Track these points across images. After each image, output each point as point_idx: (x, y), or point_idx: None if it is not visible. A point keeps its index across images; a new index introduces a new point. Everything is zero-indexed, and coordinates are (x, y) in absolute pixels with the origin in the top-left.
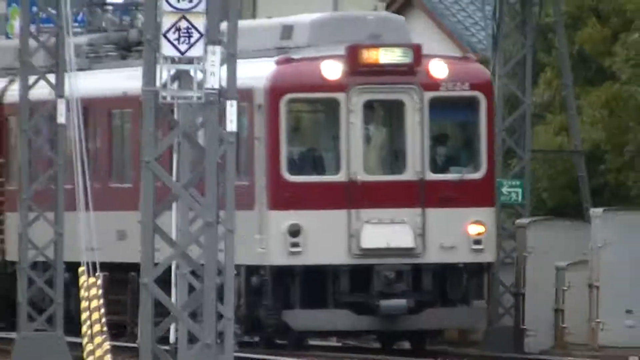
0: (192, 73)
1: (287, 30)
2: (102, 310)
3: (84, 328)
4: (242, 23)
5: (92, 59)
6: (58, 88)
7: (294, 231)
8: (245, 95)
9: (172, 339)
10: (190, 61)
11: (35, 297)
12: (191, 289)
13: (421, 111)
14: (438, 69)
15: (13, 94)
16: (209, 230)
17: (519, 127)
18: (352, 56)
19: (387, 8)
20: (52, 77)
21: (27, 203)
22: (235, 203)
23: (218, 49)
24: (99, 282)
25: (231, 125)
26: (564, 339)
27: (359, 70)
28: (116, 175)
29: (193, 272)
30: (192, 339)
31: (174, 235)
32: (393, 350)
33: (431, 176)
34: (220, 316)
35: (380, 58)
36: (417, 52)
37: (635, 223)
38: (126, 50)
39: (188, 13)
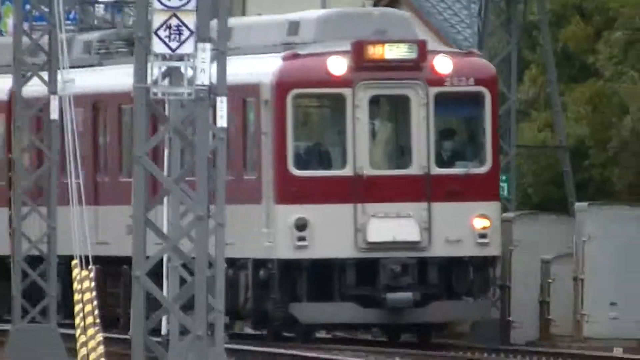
0: (182, 70)
1: (294, 26)
2: (95, 303)
3: (77, 320)
4: (249, 19)
5: (103, 55)
6: (50, 85)
7: (301, 225)
8: (252, 91)
9: (163, 330)
10: (180, 58)
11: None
12: (182, 281)
13: (426, 106)
14: (443, 65)
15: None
16: (200, 224)
17: (504, 124)
18: (357, 52)
19: (375, 6)
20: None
21: (21, 197)
22: (242, 197)
23: (208, 46)
24: (92, 274)
25: (221, 121)
26: (549, 331)
27: (365, 66)
28: (126, 170)
29: (184, 265)
30: (183, 331)
31: (165, 229)
32: (399, 342)
33: (437, 170)
34: (211, 308)
35: (386, 54)
36: (422, 47)
37: (619, 217)
38: None
39: (178, 11)
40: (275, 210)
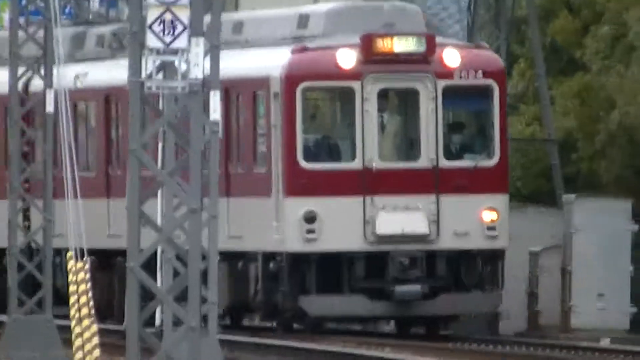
0: (176, 64)
1: (304, 20)
2: (90, 294)
3: (72, 311)
4: (260, 13)
5: (116, 49)
6: (46, 79)
7: (310, 218)
8: (262, 84)
9: (157, 321)
10: (174, 52)
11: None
12: (176, 273)
13: (435, 99)
14: (452, 58)
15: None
16: (193, 217)
17: None
18: (366, 45)
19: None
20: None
21: (17, 190)
22: (252, 190)
23: (202, 40)
24: (87, 266)
25: (214, 114)
26: (537, 322)
27: (374, 59)
28: None
29: (178, 257)
30: (177, 322)
31: (159, 221)
32: (409, 335)
33: (445, 163)
34: (204, 300)
35: (395, 47)
36: (430, 41)
37: (606, 209)
38: None
39: (172, 6)
40: (285, 203)
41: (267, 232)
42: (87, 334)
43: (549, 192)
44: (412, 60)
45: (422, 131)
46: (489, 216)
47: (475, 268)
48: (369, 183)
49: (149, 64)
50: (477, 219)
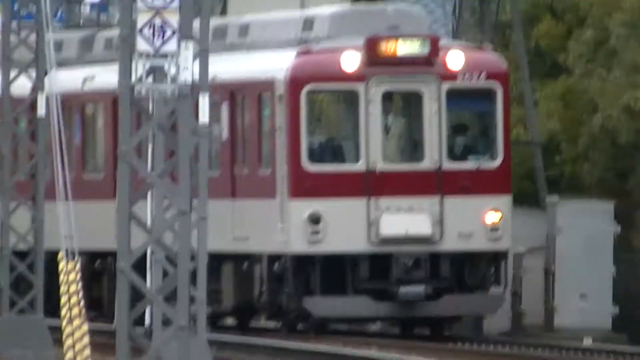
0: (166, 68)
1: (308, 23)
2: (81, 294)
3: (63, 311)
4: (265, 16)
5: None
6: (38, 82)
7: (315, 219)
8: (267, 86)
9: (147, 321)
10: (164, 56)
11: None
12: (165, 274)
13: (438, 101)
14: (455, 60)
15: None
16: (182, 218)
17: None
18: (370, 47)
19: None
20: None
21: (9, 192)
22: (257, 192)
23: (191, 44)
24: (78, 266)
25: (203, 117)
26: (521, 322)
27: (378, 61)
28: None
29: (167, 258)
30: (166, 322)
31: (149, 223)
32: (412, 335)
33: (449, 165)
34: (193, 300)
35: (399, 49)
36: (434, 43)
37: (589, 210)
38: None
39: (162, 10)
40: (289, 204)
41: (271, 234)
42: (77, 334)
43: (533, 193)
44: (416, 63)
45: (425, 133)
46: (492, 217)
47: (478, 269)
48: (373, 185)
49: (139, 68)
50: (481, 220)
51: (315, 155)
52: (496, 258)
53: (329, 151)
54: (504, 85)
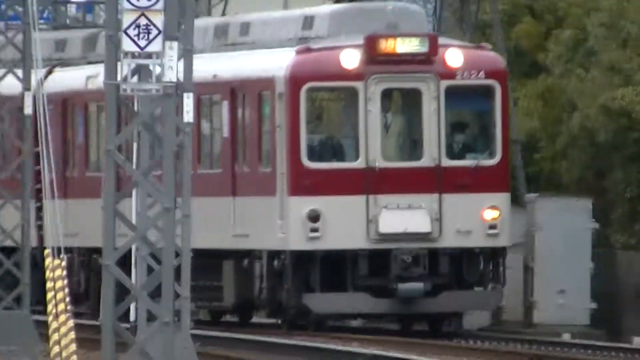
0: (151, 67)
1: (308, 21)
2: (67, 290)
3: (49, 307)
4: (266, 14)
5: None
6: (24, 81)
7: (314, 217)
8: (267, 84)
9: (132, 317)
10: (149, 56)
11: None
12: (150, 270)
13: (437, 99)
14: (454, 58)
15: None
16: (167, 215)
17: None
18: (370, 46)
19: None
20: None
21: None
22: (257, 190)
23: (175, 44)
24: (63, 263)
25: (187, 116)
26: (501, 317)
27: (377, 60)
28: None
29: (152, 255)
30: (151, 317)
31: (134, 220)
32: (412, 331)
33: (447, 163)
34: (177, 295)
35: (398, 47)
36: (433, 41)
37: (568, 208)
38: None
39: (147, 11)
40: (289, 202)
41: (271, 231)
42: (63, 329)
43: (512, 191)
44: (415, 61)
45: (424, 131)
46: (490, 215)
47: (477, 266)
48: (372, 182)
49: (125, 67)
50: (479, 217)
51: (315, 153)
52: (494, 255)
53: (328, 149)
54: (503, 84)
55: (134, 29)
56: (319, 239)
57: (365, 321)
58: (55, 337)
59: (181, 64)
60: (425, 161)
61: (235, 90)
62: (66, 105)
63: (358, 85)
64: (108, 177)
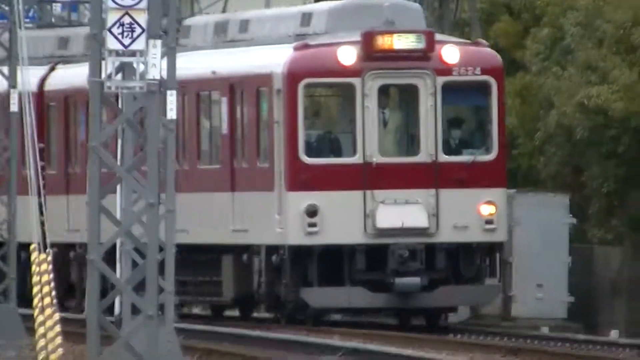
0: (134, 65)
1: (306, 18)
2: (52, 284)
3: (35, 301)
4: (265, 12)
5: None
6: (10, 79)
7: (312, 212)
8: (265, 81)
9: (116, 310)
10: (133, 54)
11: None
12: (134, 264)
13: (434, 95)
14: (450, 54)
15: (52, 82)
16: (151, 210)
17: None
18: (367, 42)
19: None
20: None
21: None
22: (255, 185)
23: (159, 42)
24: (49, 258)
25: (171, 113)
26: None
27: (374, 56)
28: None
29: (136, 249)
30: (135, 311)
31: (118, 215)
32: (409, 326)
33: (444, 158)
34: (161, 290)
35: (395, 44)
36: (430, 38)
37: (545, 203)
38: None
39: (131, 9)
40: (287, 197)
41: (270, 226)
42: (49, 323)
43: None
44: (412, 57)
45: (421, 126)
46: (487, 210)
47: (473, 261)
48: (370, 177)
49: (109, 65)
50: (476, 212)
51: (313, 149)
52: (491, 250)
53: (326, 144)
54: (499, 80)
55: (118, 27)
56: (316, 234)
57: (350, 315)
58: (41, 330)
59: (165, 61)
60: (422, 157)
61: (234, 87)
62: (68, 102)
63: (355, 81)
64: (92, 173)
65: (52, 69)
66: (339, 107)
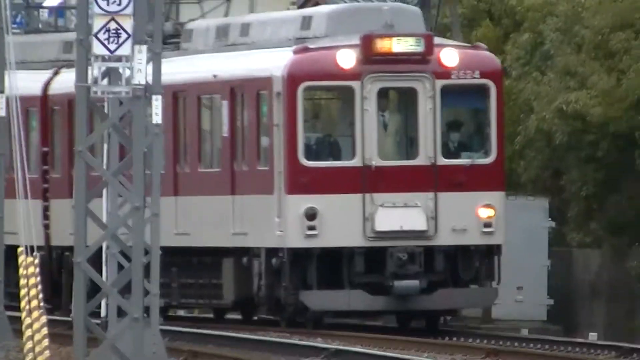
0: (120, 70)
1: (306, 21)
2: (40, 287)
3: (23, 303)
4: (265, 15)
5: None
6: None
7: (311, 215)
8: (265, 84)
9: (103, 313)
10: (119, 59)
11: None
12: (120, 267)
13: (433, 98)
14: (449, 58)
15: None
16: (136, 214)
17: None
18: (366, 45)
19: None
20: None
21: None
22: (255, 188)
23: (144, 48)
24: (37, 261)
25: (156, 117)
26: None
27: (373, 59)
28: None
29: (122, 252)
30: (121, 313)
31: (104, 219)
32: (409, 329)
33: (443, 161)
34: (146, 292)
35: (394, 47)
36: (429, 41)
37: (525, 207)
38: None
39: (117, 15)
40: (286, 200)
41: (269, 229)
42: (36, 325)
43: None
44: (411, 60)
45: (420, 130)
46: (485, 213)
47: (472, 263)
48: (369, 180)
49: (95, 70)
50: (474, 215)
51: (312, 152)
52: (490, 252)
53: (325, 147)
54: (498, 83)
55: (104, 33)
56: (316, 237)
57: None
58: (28, 332)
59: (150, 67)
60: (421, 160)
61: (235, 90)
62: (72, 106)
63: (354, 84)
64: (78, 177)
65: (56, 73)
66: (339, 110)
